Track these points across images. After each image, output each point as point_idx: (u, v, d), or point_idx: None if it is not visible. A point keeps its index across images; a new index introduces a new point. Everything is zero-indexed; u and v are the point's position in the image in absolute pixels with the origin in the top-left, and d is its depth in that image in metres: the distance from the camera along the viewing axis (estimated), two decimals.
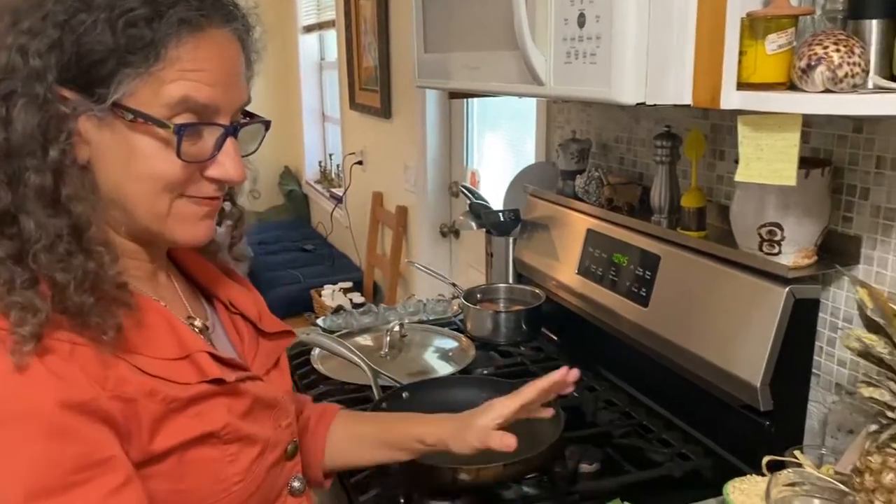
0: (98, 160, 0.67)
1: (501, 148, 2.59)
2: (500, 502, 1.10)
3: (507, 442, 0.91)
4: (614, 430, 1.30)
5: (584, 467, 1.19)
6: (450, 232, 2.89)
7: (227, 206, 0.85)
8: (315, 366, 1.52)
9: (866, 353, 0.92)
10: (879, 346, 0.89)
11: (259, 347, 0.86)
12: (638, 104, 0.97)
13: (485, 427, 0.93)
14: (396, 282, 3.26)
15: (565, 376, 0.99)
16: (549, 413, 1.05)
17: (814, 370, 1.19)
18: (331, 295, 3.42)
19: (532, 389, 0.98)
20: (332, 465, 1.00)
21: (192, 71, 0.67)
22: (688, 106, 0.93)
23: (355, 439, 1.00)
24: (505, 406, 0.96)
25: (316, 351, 1.58)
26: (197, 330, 0.78)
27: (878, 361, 0.91)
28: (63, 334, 0.63)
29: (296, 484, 0.83)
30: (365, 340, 1.69)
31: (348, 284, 3.55)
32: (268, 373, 0.84)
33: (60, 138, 0.64)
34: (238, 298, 0.87)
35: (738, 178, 0.91)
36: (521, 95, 1.35)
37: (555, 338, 1.75)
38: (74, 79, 0.65)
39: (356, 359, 1.35)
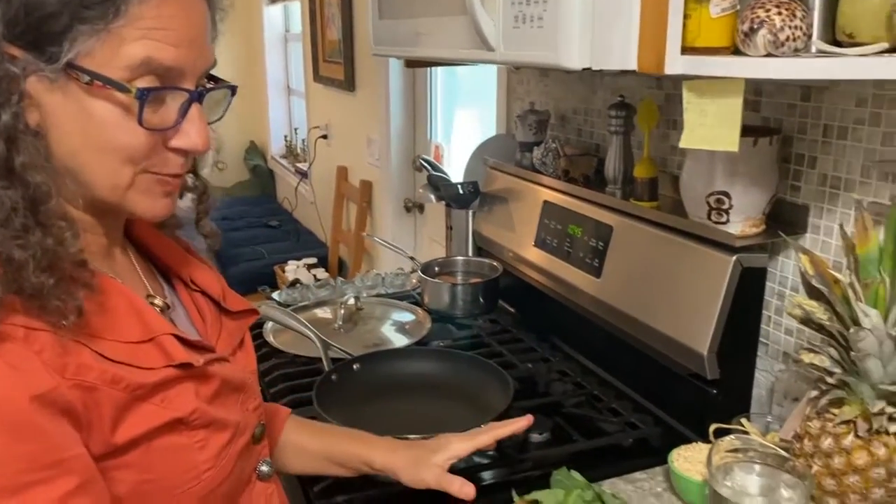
0: (50, 126, 0.61)
1: (467, 122, 2.57)
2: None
3: (467, 491, 0.91)
4: (565, 399, 1.30)
5: (535, 437, 1.19)
6: (414, 207, 2.87)
7: (190, 178, 0.80)
8: (267, 339, 1.50)
9: (808, 320, 0.92)
10: (820, 312, 0.90)
11: (223, 327, 0.82)
12: (584, 69, 0.95)
13: (440, 466, 0.93)
14: (361, 257, 3.24)
15: (525, 426, 1.01)
16: (493, 446, 1.06)
17: (762, 339, 1.20)
18: (294, 271, 3.38)
19: (490, 437, 0.98)
20: (278, 470, 0.98)
21: (156, 29, 0.61)
22: (642, 75, 0.92)
23: (301, 451, 0.98)
24: (461, 449, 0.95)
25: (269, 324, 1.55)
26: (158, 309, 0.74)
27: (819, 328, 0.92)
28: (18, 318, 0.58)
29: (264, 468, 0.80)
30: (321, 314, 1.67)
31: (313, 260, 3.52)
32: (233, 353, 0.81)
33: (11, 101, 0.58)
34: (199, 275, 0.82)
35: (682, 144, 0.91)
36: (472, 62, 1.33)
37: (512, 310, 1.75)
38: (23, 35, 0.59)
39: (306, 331, 1.34)
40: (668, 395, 1.26)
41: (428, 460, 0.93)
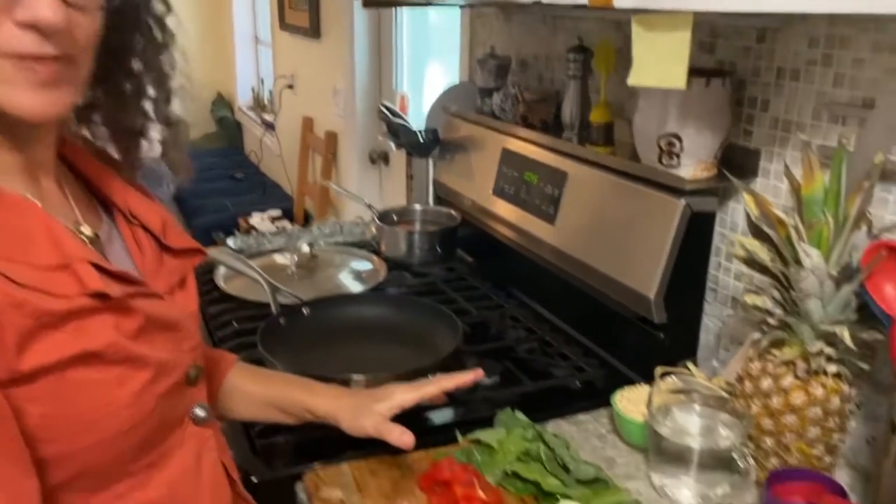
0: None
1: (433, 72, 2.52)
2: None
3: (406, 440, 0.89)
4: (517, 345, 1.30)
5: (484, 381, 1.19)
6: (379, 159, 2.83)
7: (150, 106, 0.78)
8: (218, 284, 1.48)
9: (751, 261, 0.92)
10: (762, 252, 0.89)
11: (163, 264, 0.78)
12: (534, 3, 0.92)
13: (381, 415, 0.91)
14: (326, 210, 3.20)
15: (473, 379, 0.98)
16: (444, 399, 1.05)
17: (710, 285, 1.20)
18: (259, 223, 3.34)
19: (436, 389, 0.96)
20: (223, 415, 0.96)
21: None
22: (603, 19, 0.89)
23: (245, 397, 0.96)
24: (405, 399, 0.93)
25: (221, 270, 1.53)
26: (85, 238, 0.70)
27: (762, 269, 0.91)
28: None
29: (199, 412, 0.78)
30: (275, 261, 1.65)
31: (277, 213, 3.47)
32: (171, 292, 0.78)
33: None
34: (139, 208, 0.78)
35: (630, 80, 0.88)
36: None
37: (470, 260, 1.74)
38: None
39: (254, 273, 1.31)
40: (617, 340, 1.26)
41: (369, 408, 0.92)
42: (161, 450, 0.70)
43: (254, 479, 0.95)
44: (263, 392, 0.96)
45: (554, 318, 1.41)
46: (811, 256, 0.84)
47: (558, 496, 0.87)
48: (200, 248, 0.84)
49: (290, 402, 0.94)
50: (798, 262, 0.85)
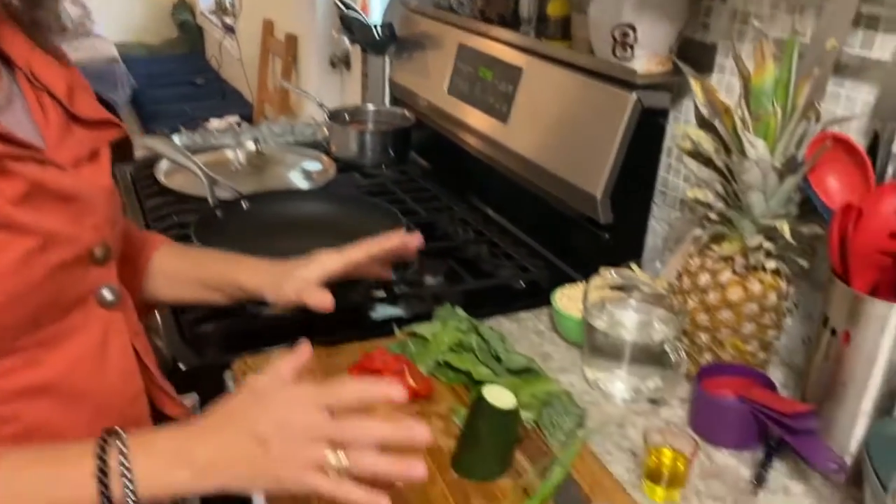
0: None
1: None
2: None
3: (325, 301, 0.85)
4: (463, 245, 1.27)
5: (428, 279, 1.17)
6: (340, 62, 2.73)
7: None
8: (158, 178, 1.42)
9: (696, 153, 0.89)
10: (707, 143, 0.86)
11: (71, 134, 0.73)
12: None
13: (305, 280, 0.87)
14: (286, 115, 3.11)
15: (406, 242, 0.93)
16: (388, 275, 0.99)
17: (660, 188, 1.17)
18: (216, 128, 3.23)
19: (362, 251, 0.91)
20: (152, 299, 0.92)
21: None
22: None
23: (174, 276, 0.92)
24: (330, 261, 0.89)
25: (163, 165, 1.47)
26: None
27: (707, 161, 0.89)
28: None
29: (106, 294, 0.74)
30: (224, 157, 1.58)
31: (236, 118, 3.36)
32: (78, 164, 0.73)
33: None
34: (42, 70, 0.72)
35: None
36: None
37: (425, 164, 1.69)
38: None
39: (189, 163, 1.25)
40: (563, 241, 1.24)
41: (293, 275, 0.88)
42: (57, 328, 0.67)
43: (182, 367, 0.93)
44: (192, 270, 0.92)
45: (503, 220, 1.39)
46: (756, 147, 0.81)
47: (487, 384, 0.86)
48: (115, 120, 0.78)
49: (219, 278, 0.90)
50: (743, 152, 0.82)
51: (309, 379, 0.64)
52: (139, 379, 0.76)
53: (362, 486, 0.60)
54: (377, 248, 0.92)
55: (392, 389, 0.61)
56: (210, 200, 1.25)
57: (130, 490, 0.59)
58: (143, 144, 1.33)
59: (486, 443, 0.73)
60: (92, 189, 0.72)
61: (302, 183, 1.50)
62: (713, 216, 0.89)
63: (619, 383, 0.91)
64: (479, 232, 1.33)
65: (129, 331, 0.76)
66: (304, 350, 0.68)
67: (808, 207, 0.85)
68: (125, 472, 0.59)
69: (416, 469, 0.60)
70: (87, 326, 0.71)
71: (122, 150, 1.13)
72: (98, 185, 0.74)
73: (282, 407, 0.61)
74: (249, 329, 0.98)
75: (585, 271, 1.14)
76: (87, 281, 0.71)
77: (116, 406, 0.74)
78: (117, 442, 0.60)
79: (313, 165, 1.59)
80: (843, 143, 0.79)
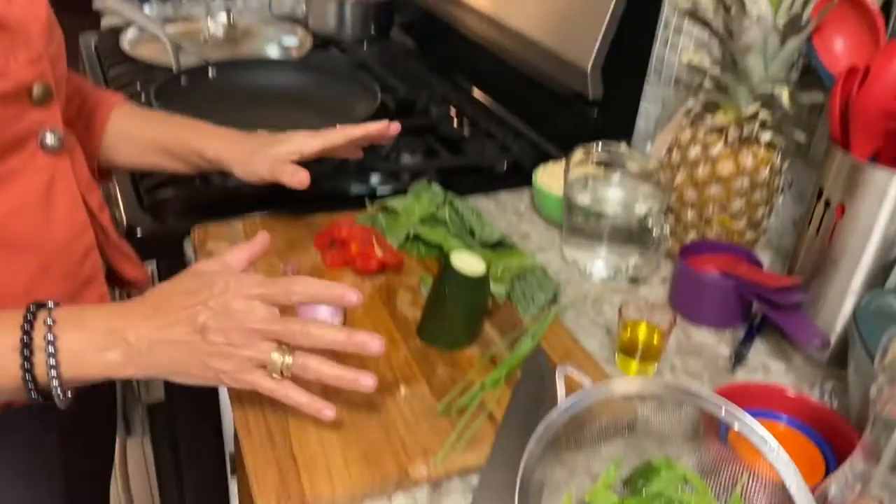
0: None
1: None
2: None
3: (301, 178, 0.80)
4: (442, 123, 1.21)
5: (405, 158, 1.11)
6: None
7: None
8: (123, 47, 1.33)
9: (694, 14, 0.82)
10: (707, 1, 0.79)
11: None
12: None
13: (278, 158, 0.81)
14: None
15: (384, 130, 0.87)
16: (358, 155, 0.93)
17: (656, 66, 1.09)
18: None
19: (339, 135, 0.85)
20: (108, 163, 0.85)
21: None
22: None
23: (133, 139, 0.85)
24: (305, 142, 0.83)
25: (129, 34, 1.38)
26: None
27: (705, 23, 0.82)
28: None
29: (49, 139, 0.68)
30: (191, 28, 1.49)
31: None
32: None
33: None
34: None
35: None
36: None
37: (409, 42, 1.60)
38: None
39: (150, 24, 1.17)
40: (550, 121, 1.18)
41: (265, 152, 0.82)
42: None
43: (139, 233, 0.88)
44: (150, 134, 0.85)
45: (488, 99, 1.32)
46: (758, 4, 0.74)
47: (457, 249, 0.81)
48: None
49: (179, 144, 0.84)
50: (743, 9, 0.75)
51: (270, 252, 0.60)
52: (90, 234, 0.71)
53: (306, 392, 0.57)
54: (357, 133, 0.86)
55: (348, 292, 0.57)
56: (174, 67, 1.17)
57: (53, 367, 0.55)
58: (101, 8, 1.23)
59: (452, 309, 0.69)
60: (25, 18, 0.65)
61: (274, 55, 1.42)
62: (707, 84, 0.83)
63: (598, 262, 0.86)
64: (460, 109, 1.26)
65: (81, 183, 0.70)
66: (260, 240, 0.64)
67: (811, 76, 0.79)
68: (50, 347, 0.55)
69: (365, 381, 0.57)
70: (29, 172, 0.65)
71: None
72: (32, 15, 0.67)
73: (225, 294, 0.56)
74: (211, 197, 0.92)
75: (570, 151, 1.10)
76: (26, 121, 0.65)
77: (63, 263, 0.69)
78: (45, 315, 0.56)
79: (288, 39, 1.50)
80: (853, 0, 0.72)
